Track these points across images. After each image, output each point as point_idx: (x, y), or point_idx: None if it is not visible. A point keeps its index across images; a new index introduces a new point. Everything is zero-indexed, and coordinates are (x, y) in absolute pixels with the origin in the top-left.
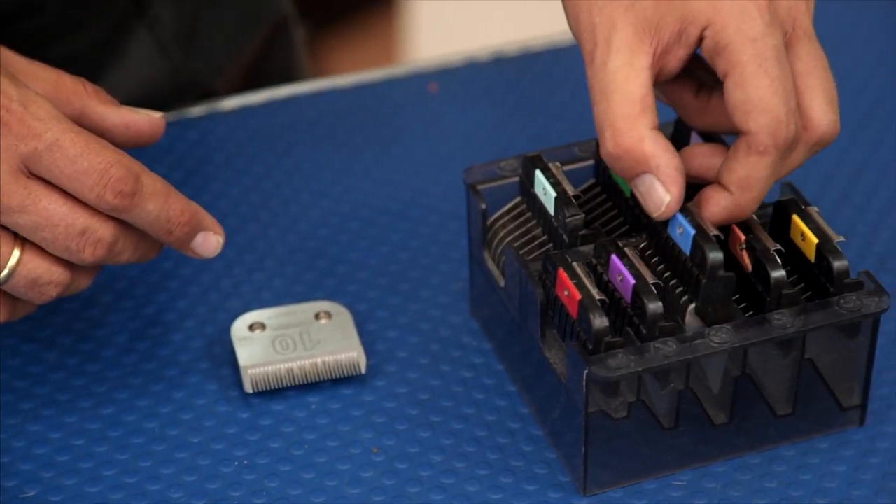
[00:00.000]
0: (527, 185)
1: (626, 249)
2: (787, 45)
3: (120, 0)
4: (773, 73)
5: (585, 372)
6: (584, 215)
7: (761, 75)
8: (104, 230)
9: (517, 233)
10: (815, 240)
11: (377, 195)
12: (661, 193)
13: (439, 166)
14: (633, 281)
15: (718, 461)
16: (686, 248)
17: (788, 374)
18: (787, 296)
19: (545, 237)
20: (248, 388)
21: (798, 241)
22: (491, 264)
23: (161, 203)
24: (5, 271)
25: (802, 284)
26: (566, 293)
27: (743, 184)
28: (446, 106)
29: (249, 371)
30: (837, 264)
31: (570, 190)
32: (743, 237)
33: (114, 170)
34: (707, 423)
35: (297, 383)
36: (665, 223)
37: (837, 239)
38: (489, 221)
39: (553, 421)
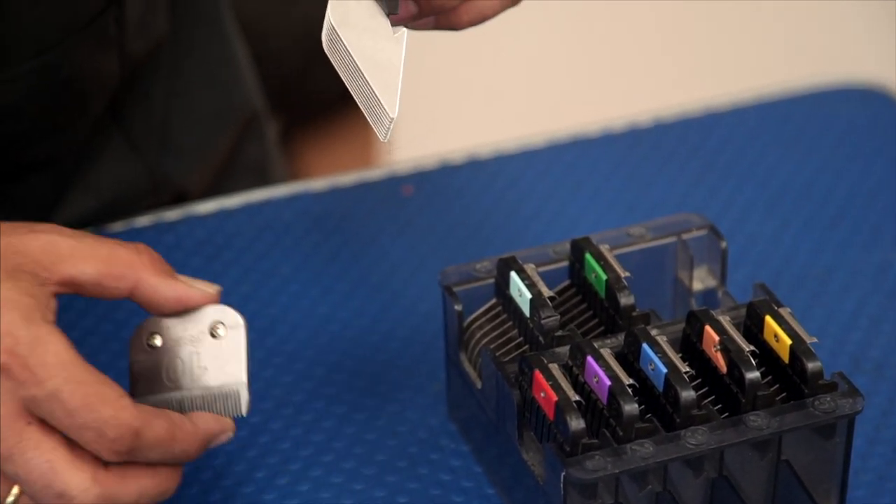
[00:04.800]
0: (502, 286)
1: (601, 351)
2: None
3: (95, 103)
4: None
5: (563, 474)
6: (559, 317)
7: None
8: (83, 497)
9: (493, 334)
10: (788, 341)
11: (353, 297)
12: None
13: (415, 268)
14: (608, 382)
15: None
16: (659, 385)
17: (765, 475)
18: (761, 397)
19: (521, 339)
20: None
21: (772, 342)
22: (468, 366)
23: (164, 450)
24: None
25: (777, 385)
26: (542, 395)
27: None
28: (421, 208)
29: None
30: (811, 366)
31: (546, 291)
32: (717, 338)
33: (110, 430)
34: None
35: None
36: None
37: (810, 340)
38: (465, 323)
39: None
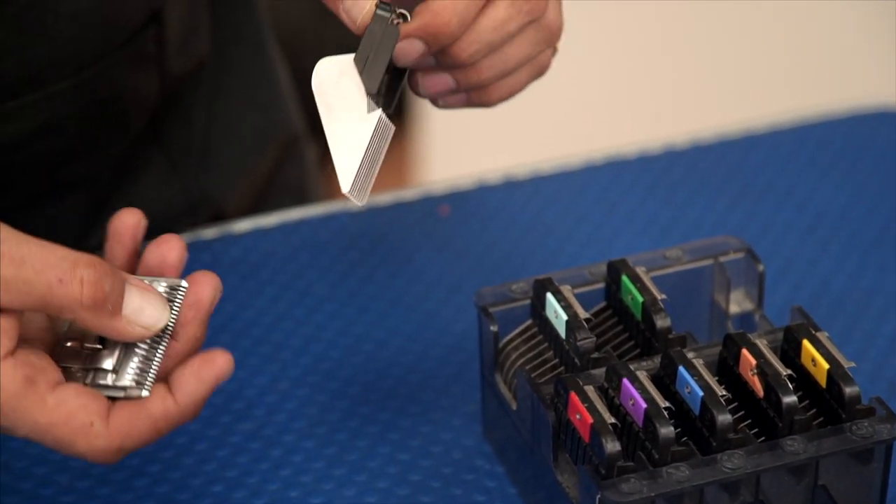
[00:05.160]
0: (538, 308)
1: (637, 373)
2: None
3: (134, 121)
4: None
5: (598, 497)
6: (595, 339)
7: None
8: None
9: (529, 356)
10: (825, 365)
11: (389, 317)
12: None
13: (451, 288)
14: (644, 405)
15: None
16: (695, 408)
17: (802, 500)
18: (799, 421)
19: (557, 360)
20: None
21: (809, 366)
22: (503, 387)
23: (156, 436)
24: None
25: (814, 410)
26: (578, 417)
27: None
28: (457, 228)
29: None
30: (849, 390)
31: (582, 313)
32: (754, 362)
33: (95, 460)
34: None
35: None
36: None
37: (848, 364)
38: (501, 344)
39: None
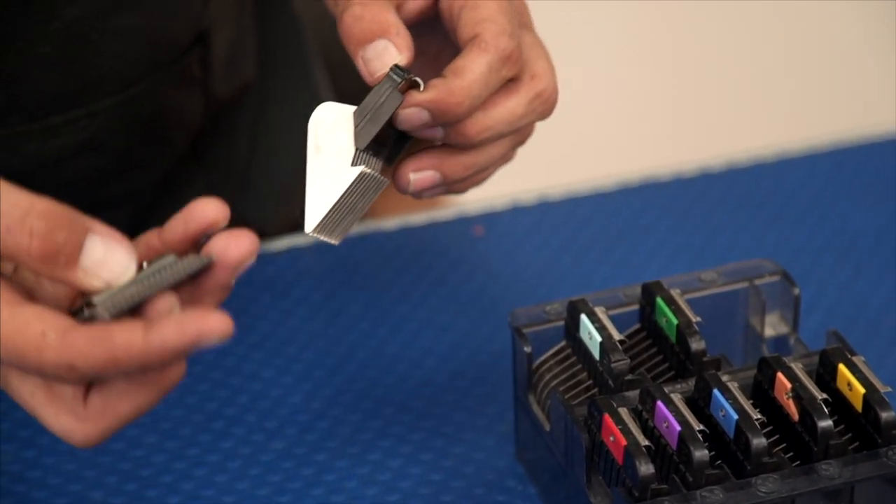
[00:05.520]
0: (572, 329)
1: (671, 395)
2: (518, 26)
3: (177, 142)
4: (504, 4)
5: None
6: (629, 360)
7: (492, 1)
8: (77, 436)
9: (562, 377)
10: (861, 390)
11: (422, 337)
12: (394, 55)
13: (485, 309)
14: (678, 427)
15: None
16: (729, 431)
17: None
18: (834, 446)
19: (590, 382)
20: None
21: (845, 390)
22: (536, 408)
23: (117, 371)
24: None
25: (850, 434)
26: (612, 439)
27: (457, 70)
28: (491, 249)
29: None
30: (885, 415)
31: (616, 335)
32: (789, 385)
33: (45, 372)
34: None
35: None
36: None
37: (884, 389)
38: (534, 365)
39: None
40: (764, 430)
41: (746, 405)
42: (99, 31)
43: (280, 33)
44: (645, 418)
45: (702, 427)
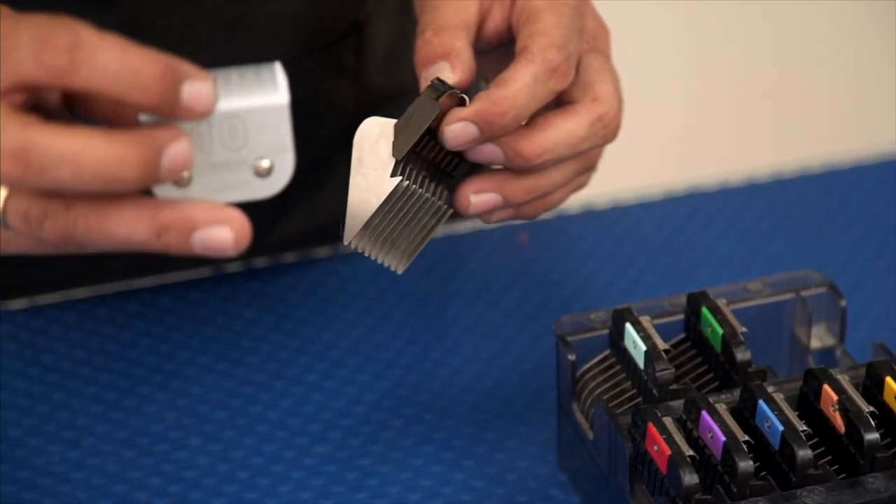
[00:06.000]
0: (616, 338)
1: (716, 406)
2: (589, 50)
3: (326, 128)
4: (564, 21)
5: None
6: (674, 370)
7: (552, 16)
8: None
9: (606, 385)
10: None
11: (466, 343)
12: (448, 73)
13: (528, 316)
14: (723, 438)
15: None
16: (775, 442)
17: None
18: (880, 459)
19: (634, 391)
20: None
21: (892, 403)
22: (580, 416)
23: (74, 173)
24: None
25: None
26: (656, 448)
27: (501, 81)
28: (536, 257)
29: None
30: None
31: (661, 344)
32: (835, 397)
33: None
34: None
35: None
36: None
37: None
38: (578, 373)
39: None
40: (810, 442)
41: (792, 416)
42: (253, 14)
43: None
44: (689, 428)
45: (747, 438)
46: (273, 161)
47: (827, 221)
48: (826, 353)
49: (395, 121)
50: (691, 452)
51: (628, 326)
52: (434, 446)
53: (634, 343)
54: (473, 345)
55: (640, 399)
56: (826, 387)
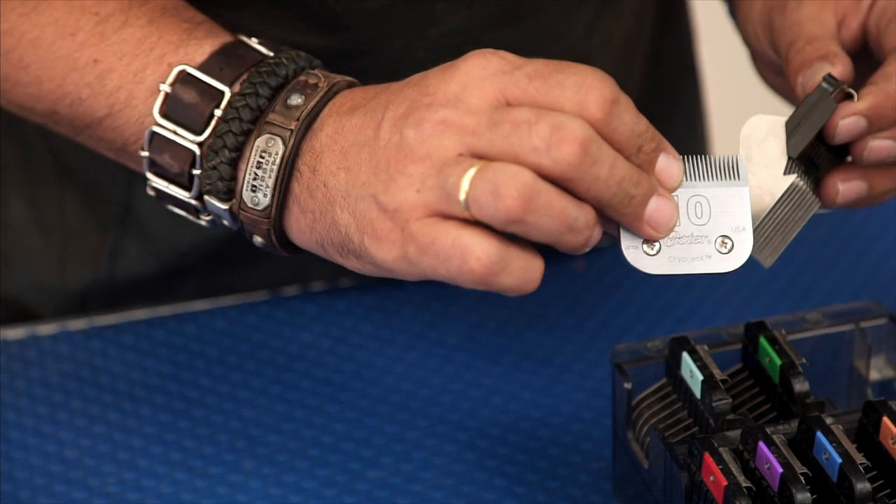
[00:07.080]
0: (673, 367)
1: (774, 437)
2: None
3: None
4: None
5: None
6: (731, 400)
7: None
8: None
9: (662, 414)
10: None
11: (520, 370)
12: (827, 68)
13: (582, 344)
14: (780, 469)
15: None
16: (833, 474)
17: None
18: None
19: (690, 420)
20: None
21: None
22: (635, 445)
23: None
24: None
25: None
26: (712, 479)
27: (888, 76)
28: (592, 284)
29: None
30: None
31: (718, 374)
32: (895, 430)
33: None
34: None
35: None
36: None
37: None
38: (634, 402)
39: None
40: (868, 475)
41: (850, 449)
42: (472, 44)
43: (680, 51)
44: (746, 459)
45: (804, 469)
46: (734, 239)
47: (887, 252)
48: (885, 386)
49: (782, 118)
50: (748, 483)
51: (685, 356)
52: (487, 473)
53: (691, 372)
54: (527, 372)
55: (696, 429)
56: (885, 419)
